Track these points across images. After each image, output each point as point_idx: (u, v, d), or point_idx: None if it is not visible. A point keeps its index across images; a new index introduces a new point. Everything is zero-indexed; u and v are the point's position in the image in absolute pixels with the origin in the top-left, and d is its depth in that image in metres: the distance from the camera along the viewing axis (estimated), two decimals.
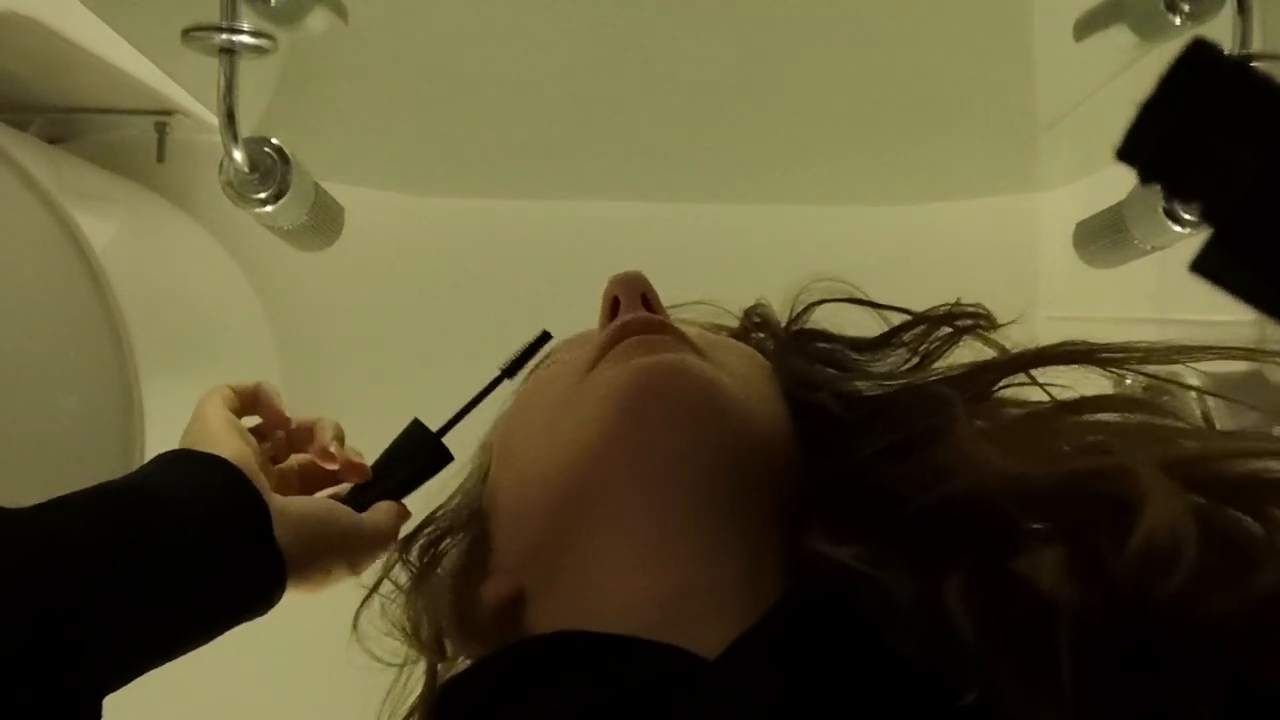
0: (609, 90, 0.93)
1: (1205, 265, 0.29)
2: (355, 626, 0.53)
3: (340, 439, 0.56)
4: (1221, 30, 0.69)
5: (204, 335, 1.07)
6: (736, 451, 0.44)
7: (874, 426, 0.46)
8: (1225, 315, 0.77)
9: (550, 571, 0.45)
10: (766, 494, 0.44)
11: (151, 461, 0.46)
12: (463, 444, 0.56)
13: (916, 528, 0.40)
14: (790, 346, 0.55)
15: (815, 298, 0.57)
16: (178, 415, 0.94)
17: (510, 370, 0.55)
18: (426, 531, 0.55)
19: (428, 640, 0.52)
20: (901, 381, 0.50)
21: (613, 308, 0.50)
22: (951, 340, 0.52)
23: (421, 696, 0.51)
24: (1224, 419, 0.53)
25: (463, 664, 0.51)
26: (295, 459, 0.56)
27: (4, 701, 0.34)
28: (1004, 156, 1.10)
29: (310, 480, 0.55)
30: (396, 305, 1.20)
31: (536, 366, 0.54)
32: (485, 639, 0.49)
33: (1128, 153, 0.30)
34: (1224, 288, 0.29)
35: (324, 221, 0.90)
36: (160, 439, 0.86)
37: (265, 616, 0.47)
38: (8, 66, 1.03)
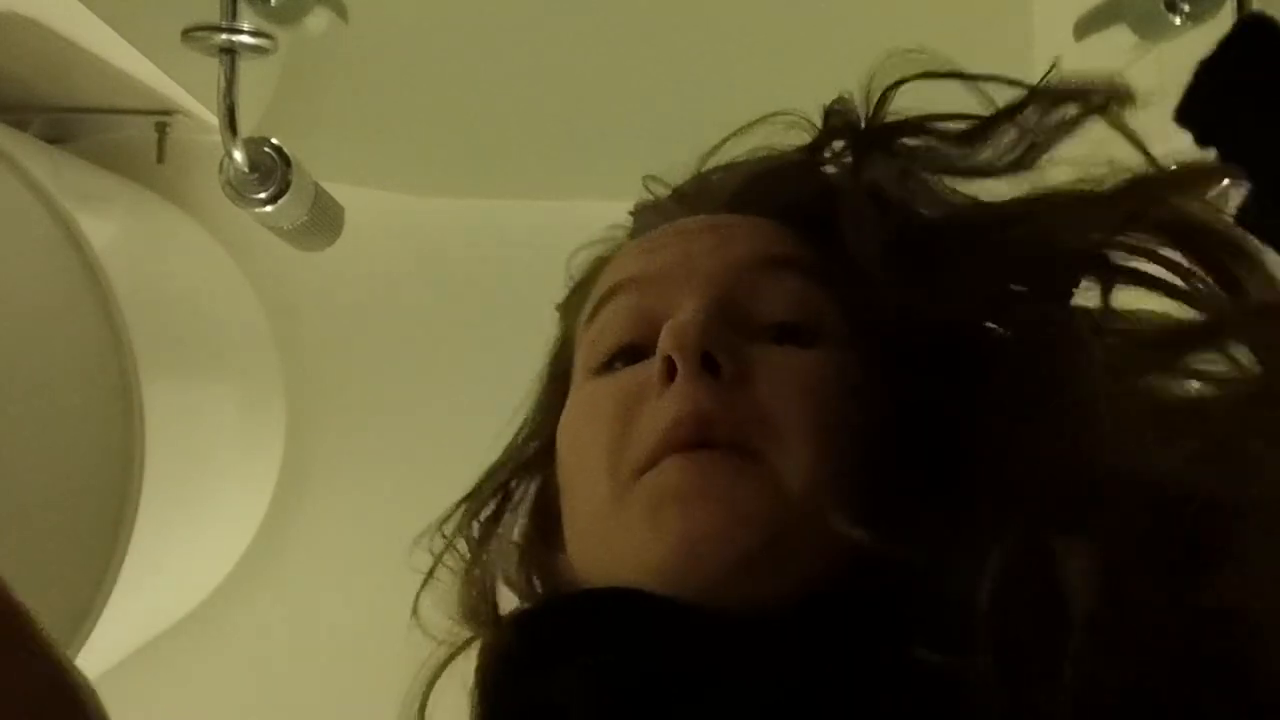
0: (610, 90, 0.93)
1: (1246, 216, 0.31)
2: (415, 612, 0.52)
3: None
4: (1222, 30, 0.69)
5: (204, 335, 1.07)
6: (790, 547, 0.41)
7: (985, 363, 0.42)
8: None
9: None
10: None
11: None
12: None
13: (980, 490, 0.38)
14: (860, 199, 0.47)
15: (893, 77, 0.49)
16: (178, 415, 0.94)
17: None
18: (488, 487, 0.54)
19: (486, 618, 0.51)
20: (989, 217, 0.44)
21: (669, 369, 0.43)
22: (1070, 126, 0.46)
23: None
24: None
25: None
26: None
27: None
28: None
29: None
30: (396, 305, 1.20)
31: (603, 365, 0.48)
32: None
33: (1184, 114, 0.31)
34: (1265, 238, 0.31)
35: (324, 221, 0.90)
36: (160, 439, 0.86)
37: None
38: (8, 66, 1.03)
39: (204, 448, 1.02)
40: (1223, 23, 0.69)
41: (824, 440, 0.42)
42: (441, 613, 0.52)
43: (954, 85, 0.48)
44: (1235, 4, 0.69)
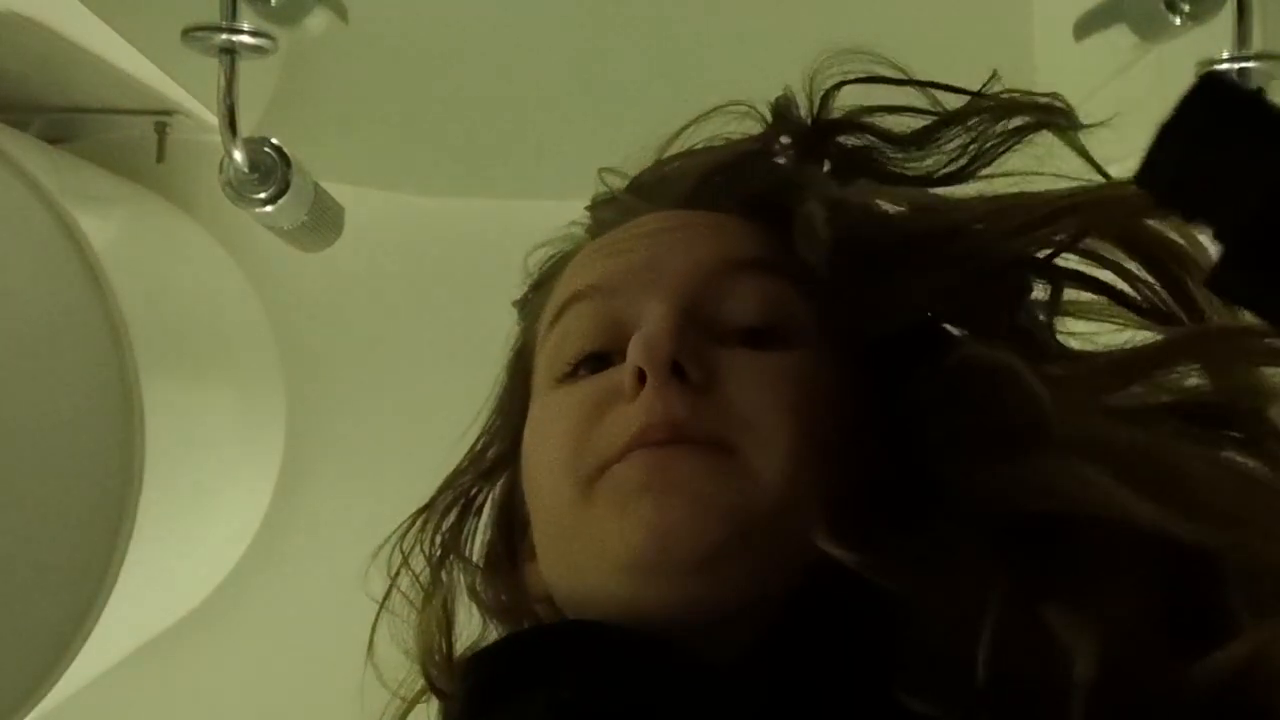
0: (611, 90, 0.93)
1: (1218, 282, 0.30)
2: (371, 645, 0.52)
3: None
4: (1221, 30, 0.69)
5: (204, 335, 1.07)
6: (770, 524, 0.41)
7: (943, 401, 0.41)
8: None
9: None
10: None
11: None
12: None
13: (973, 535, 0.37)
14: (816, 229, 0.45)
15: (836, 79, 0.49)
16: (178, 415, 0.94)
17: None
18: (448, 497, 0.53)
19: (440, 663, 0.50)
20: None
21: (639, 378, 0.43)
22: (1013, 138, 0.46)
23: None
24: None
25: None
26: None
27: None
28: None
29: None
30: (396, 305, 1.20)
31: (567, 374, 0.47)
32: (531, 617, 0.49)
33: (1146, 179, 0.31)
34: (1237, 302, 0.31)
35: (324, 221, 0.90)
36: (160, 439, 0.86)
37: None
38: (8, 66, 1.03)
39: (204, 448, 1.02)
40: (1223, 23, 0.69)
41: (796, 438, 0.41)
42: (405, 643, 0.51)
43: (943, 100, 0.48)
44: (1236, 4, 0.69)
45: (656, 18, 0.82)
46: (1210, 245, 0.31)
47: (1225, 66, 0.69)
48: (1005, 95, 0.46)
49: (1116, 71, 0.85)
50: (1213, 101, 0.30)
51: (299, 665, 1.15)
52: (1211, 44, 0.70)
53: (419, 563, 0.52)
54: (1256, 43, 0.68)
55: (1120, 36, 0.75)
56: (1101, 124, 0.45)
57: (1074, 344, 0.45)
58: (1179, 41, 0.72)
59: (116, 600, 0.83)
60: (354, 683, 0.52)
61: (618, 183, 0.55)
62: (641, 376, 0.42)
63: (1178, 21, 0.71)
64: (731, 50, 0.85)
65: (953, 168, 0.47)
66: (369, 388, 1.18)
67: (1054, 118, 0.45)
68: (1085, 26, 0.77)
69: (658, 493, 0.40)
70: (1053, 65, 0.88)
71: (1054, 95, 0.46)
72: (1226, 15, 0.69)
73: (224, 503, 1.09)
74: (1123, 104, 0.88)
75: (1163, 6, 0.71)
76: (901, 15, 0.80)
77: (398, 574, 0.52)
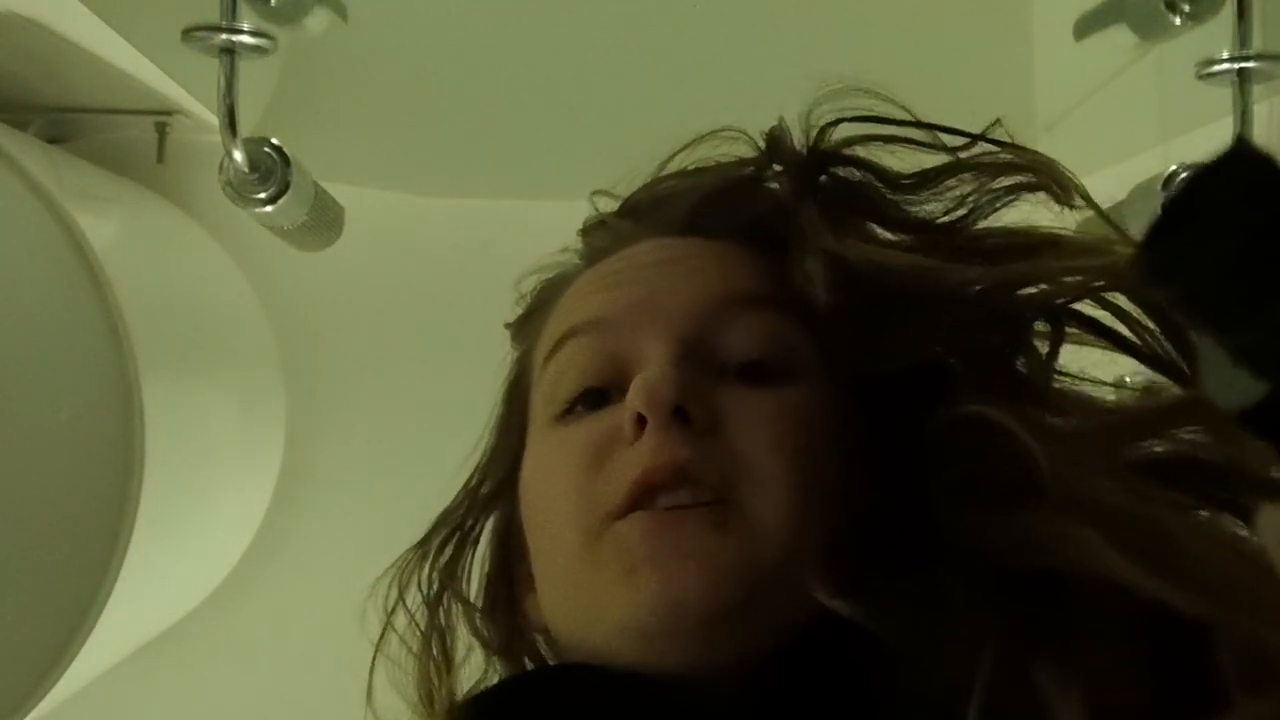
0: (611, 90, 0.93)
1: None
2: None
3: None
4: (1221, 30, 0.69)
5: (204, 335, 1.07)
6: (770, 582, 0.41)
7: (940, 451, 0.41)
8: None
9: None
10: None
11: None
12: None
13: (963, 584, 0.37)
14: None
15: (835, 113, 0.48)
16: (178, 415, 0.94)
17: None
18: (442, 532, 0.52)
19: (440, 712, 0.49)
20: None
21: (640, 422, 0.42)
22: (1010, 195, 0.45)
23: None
24: None
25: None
26: None
27: None
28: None
29: None
30: (396, 305, 1.20)
31: (565, 411, 0.46)
32: (531, 650, 0.49)
33: (1156, 275, 0.23)
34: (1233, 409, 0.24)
35: (324, 221, 0.90)
36: (160, 439, 0.86)
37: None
38: (8, 66, 1.03)
39: (204, 448, 1.02)
40: (1223, 23, 0.69)
41: (797, 483, 0.41)
42: (403, 688, 0.50)
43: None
44: (1236, 4, 0.69)
45: (657, 20, 0.82)
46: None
47: (1225, 66, 0.69)
48: (1007, 150, 0.45)
49: (1116, 71, 0.85)
50: (1242, 180, 0.22)
51: (299, 666, 1.15)
52: (1211, 44, 0.70)
53: (415, 600, 0.51)
54: (1256, 43, 0.68)
55: (1120, 36, 0.75)
56: (1100, 208, 0.45)
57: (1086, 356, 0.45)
58: (1179, 41, 0.72)
59: (116, 600, 0.83)
60: (352, 684, 0.52)
61: (608, 206, 0.54)
62: (643, 422, 0.42)
63: (1178, 21, 0.71)
64: (730, 51, 0.85)
65: (951, 217, 0.46)
66: (369, 388, 1.18)
67: (1053, 184, 0.45)
68: (1085, 26, 0.77)
69: (664, 560, 0.40)
70: (1053, 65, 0.88)
71: (1049, 162, 0.45)
72: (1226, 15, 0.69)
73: (224, 503, 1.09)
74: (1123, 104, 0.88)
75: (1163, 6, 0.71)
76: (902, 16, 0.80)
77: (393, 612, 0.51)
